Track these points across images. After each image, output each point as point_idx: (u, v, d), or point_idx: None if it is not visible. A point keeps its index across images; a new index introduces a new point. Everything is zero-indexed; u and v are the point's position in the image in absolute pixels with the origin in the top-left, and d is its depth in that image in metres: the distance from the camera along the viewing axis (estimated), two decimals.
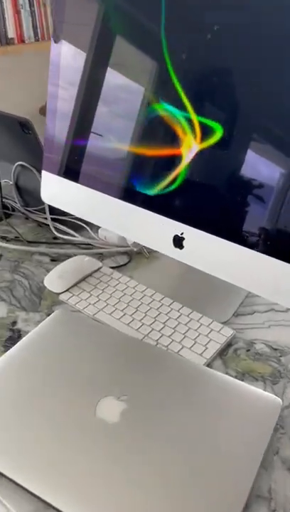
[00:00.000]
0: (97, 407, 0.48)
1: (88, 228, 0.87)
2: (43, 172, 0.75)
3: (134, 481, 0.41)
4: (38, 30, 2.25)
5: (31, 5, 2.16)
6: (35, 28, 2.23)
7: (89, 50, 0.63)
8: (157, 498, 0.40)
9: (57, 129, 0.71)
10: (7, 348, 0.59)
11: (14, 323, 0.63)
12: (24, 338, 0.57)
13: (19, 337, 0.60)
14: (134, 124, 0.62)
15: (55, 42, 0.66)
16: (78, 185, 0.70)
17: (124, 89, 0.62)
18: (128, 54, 0.59)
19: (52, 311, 0.66)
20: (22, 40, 2.21)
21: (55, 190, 0.75)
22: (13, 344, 0.59)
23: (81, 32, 0.64)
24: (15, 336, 0.61)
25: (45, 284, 0.70)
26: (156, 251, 0.80)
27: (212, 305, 0.67)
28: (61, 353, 0.55)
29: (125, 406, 0.48)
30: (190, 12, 0.51)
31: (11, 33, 2.14)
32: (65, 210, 0.74)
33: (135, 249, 0.78)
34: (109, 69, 0.62)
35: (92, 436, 0.45)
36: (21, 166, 0.92)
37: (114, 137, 0.64)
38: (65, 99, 0.69)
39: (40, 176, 0.89)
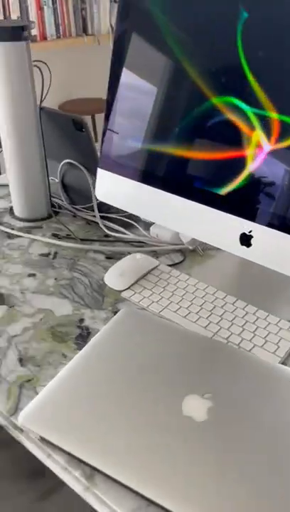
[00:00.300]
0: (182, 405, 0.48)
1: (138, 226, 0.87)
2: (99, 170, 0.76)
3: (231, 479, 0.41)
4: (60, 28, 2.25)
5: (54, 2, 2.16)
6: (57, 25, 2.23)
7: (151, 44, 0.63)
8: (252, 497, 0.40)
9: (116, 128, 0.71)
10: (79, 345, 0.59)
11: (81, 320, 0.63)
12: (96, 336, 0.57)
13: (88, 334, 0.61)
14: (194, 121, 0.63)
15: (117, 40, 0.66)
16: (137, 183, 0.70)
17: (181, 85, 0.62)
18: (192, 47, 0.59)
19: (117, 309, 0.66)
20: (44, 38, 2.21)
21: (112, 188, 0.75)
22: (84, 341, 0.60)
23: (144, 30, 0.64)
24: (84, 334, 0.61)
25: (106, 282, 0.71)
26: (210, 248, 0.80)
27: (274, 303, 0.67)
28: (135, 351, 0.55)
29: (211, 404, 0.48)
30: (271, 9, 0.51)
31: (34, 30, 2.14)
32: (122, 208, 0.74)
33: (190, 247, 0.79)
34: (169, 64, 0.62)
35: (183, 433, 0.45)
36: (68, 164, 0.93)
37: (173, 135, 0.64)
38: (124, 100, 0.69)
39: (89, 174, 0.89)
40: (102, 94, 2.61)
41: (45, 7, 2.13)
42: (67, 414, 0.47)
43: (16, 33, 0.70)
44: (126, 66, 0.67)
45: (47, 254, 0.78)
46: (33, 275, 0.73)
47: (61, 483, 0.65)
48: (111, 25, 2.40)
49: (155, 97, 0.65)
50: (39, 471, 0.67)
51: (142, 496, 0.41)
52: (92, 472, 0.44)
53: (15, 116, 0.77)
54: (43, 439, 0.46)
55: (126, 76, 0.68)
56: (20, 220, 0.89)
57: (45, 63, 0.82)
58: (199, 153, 0.63)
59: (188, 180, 0.65)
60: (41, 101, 0.83)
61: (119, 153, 0.72)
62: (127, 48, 0.66)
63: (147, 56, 0.64)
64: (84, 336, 0.61)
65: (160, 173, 0.67)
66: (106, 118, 0.72)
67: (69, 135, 0.86)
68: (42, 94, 0.83)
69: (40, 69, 0.80)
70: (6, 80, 0.73)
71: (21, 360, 0.56)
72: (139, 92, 0.67)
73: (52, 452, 0.46)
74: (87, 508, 0.56)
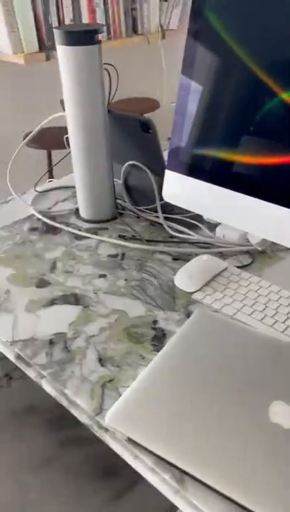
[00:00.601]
0: (269, 411, 0.47)
1: (202, 226, 0.86)
2: (167, 171, 0.76)
3: None
4: (111, 28, 2.27)
5: (105, 3, 2.18)
6: (108, 26, 2.25)
7: (219, 46, 0.62)
8: None
9: (185, 129, 0.70)
10: (155, 346, 0.59)
11: (155, 322, 0.64)
12: (173, 338, 0.58)
13: (164, 336, 0.61)
14: (263, 120, 0.61)
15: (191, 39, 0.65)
16: (205, 183, 0.70)
17: (250, 85, 0.61)
18: (258, 43, 0.58)
19: (189, 311, 0.66)
20: None
21: (179, 189, 0.75)
22: (160, 343, 0.60)
23: (212, 32, 0.63)
24: (159, 335, 0.61)
25: (176, 284, 0.71)
26: (281, 250, 0.78)
27: None
28: (214, 354, 0.55)
29: None
30: None
31: None
32: (189, 209, 0.74)
33: (259, 248, 0.77)
34: (238, 65, 0.61)
35: (273, 439, 0.44)
36: (130, 165, 0.93)
37: (242, 136, 0.63)
38: (193, 102, 0.69)
39: (153, 175, 0.90)
40: (151, 93, 2.62)
41: (97, 9, 2.15)
42: (154, 416, 0.47)
43: (89, 36, 0.72)
44: (196, 68, 0.67)
45: (115, 255, 0.79)
46: (104, 276, 0.74)
47: (134, 483, 0.66)
48: (160, 24, 2.40)
49: (223, 98, 0.65)
50: (112, 471, 0.68)
51: (234, 502, 0.41)
52: (181, 475, 0.44)
53: (85, 118, 0.79)
54: (130, 440, 0.46)
55: (196, 78, 0.67)
56: (86, 221, 0.91)
57: (113, 66, 0.83)
58: (271, 154, 0.62)
59: (261, 180, 0.63)
60: (108, 103, 0.84)
61: (188, 155, 0.71)
62: (198, 51, 0.65)
63: (216, 58, 0.64)
64: (159, 338, 0.61)
65: (229, 173, 0.67)
66: (176, 119, 0.72)
67: (133, 136, 0.87)
68: (109, 97, 0.84)
69: (108, 72, 0.81)
70: (78, 83, 0.75)
71: (101, 360, 0.57)
72: (207, 94, 0.66)
73: (139, 453, 0.46)
74: (162, 507, 0.56)
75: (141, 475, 0.52)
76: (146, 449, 0.45)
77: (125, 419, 0.47)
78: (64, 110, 0.95)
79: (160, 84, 2.63)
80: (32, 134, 0.96)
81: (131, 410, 0.48)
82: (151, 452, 0.45)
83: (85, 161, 0.83)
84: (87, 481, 0.68)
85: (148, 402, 0.48)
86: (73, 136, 0.82)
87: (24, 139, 1.92)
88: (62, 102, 0.94)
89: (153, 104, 2.41)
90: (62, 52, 0.73)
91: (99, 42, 0.73)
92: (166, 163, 0.75)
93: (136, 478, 0.61)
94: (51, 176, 2.06)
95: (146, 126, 0.82)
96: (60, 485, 0.68)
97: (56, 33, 0.72)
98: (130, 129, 0.86)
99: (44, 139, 2.03)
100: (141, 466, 0.46)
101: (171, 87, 2.63)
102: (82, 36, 0.71)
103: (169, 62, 2.56)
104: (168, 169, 0.75)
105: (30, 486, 0.67)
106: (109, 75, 0.81)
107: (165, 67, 2.55)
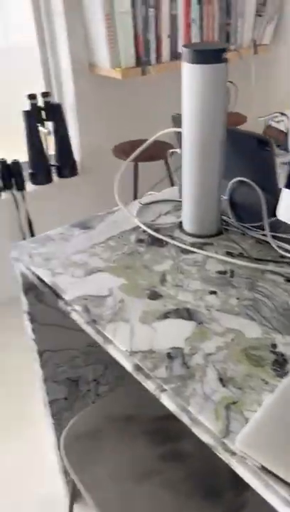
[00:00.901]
0: None
1: None
2: (285, 190, 0.74)
3: None
4: None
5: (201, 18, 2.20)
6: (201, 41, 2.27)
7: None
8: None
9: None
10: (277, 372, 0.57)
11: (274, 345, 0.62)
12: None
13: (285, 361, 0.59)
14: None
15: None
16: None
17: None
18: None
19: None
20: None
21: None
22: (282, 368, 0.58)
23: None
24: (280, 360, 0.59)
25: None
26: None
27: None
28: None
29: None
30: None
31: (180, 47, 2.20)
32: None
33: None
34: None
35: None
36: (238, 182, 0.92)
37: None
38: None
39: (263, 193, 0.88)
40: (239, 107, 2.60)
41: (193, 24, 2.18)
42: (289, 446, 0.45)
43: (218, 55, 0.72)
44: None
45: (224, 272, 0.78)
46: (214, 293, 0.73)
47: (241, 508, 0.64)
48: (253, 39, 2.38)
49: None
50: (215, 491, 0.66)
51: None
52: None
53: (205, 136, 0.79)
54: (263, 468, 0.45)
55: None
56: (190, 235, 0.91)
57: (233, 83, 0.82)
58: None
59: None
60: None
61: None
62: None
63: None
64: (281, 363, 0.59)
65: None
66: None
67: (245, 153, 0.86)
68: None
69: (228, 88, 0.81)
70: (202, 100, 0.75)
71: (222, 380, 0.56)
72: None
73: (273, 483, 0.44)
74: None
75: (247, 501, 0.49)
76: (282, 480, 0.44)
77: (260, 446, 0.46)
78: (175, 126, 0.96)
79: (249, 99, 2.60)
80: (144, 146, 0.98)
81: (265, 437, 0.46)
82: (288, 484, 0.43)
83: (197, 177, 0.84)
84: (188, 498, 0.67)
85: (282, 431, 0.47)
86: (188, 152, 0.82)
87: (114, 150, 1.98)
88: (174, 118, 0.96)
89: (240, 119, 2.39)
90: (189, 70, 0.74)
91: (226, 60, 0.74)
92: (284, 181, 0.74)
93: (243, 503, 0.59)
94: (136, 189, 2.10)
95: (264, 144, 0.81)
96: (162, 499, 0.67)
97: (185, 51, 0.73)
98: (243, 146, 0.86)
99: (133, 152, 2.08)
100: (274, 496, 0.44)
101: (259, 101, 2.59)
102: (211, 55, 0.72)
103: (259, 77, 2.53)
104: (288, 188, 0.74)
105: (134, 496, 0.68)
106: (229, 92, 0.81)
107: (254, 82, 2.53)
